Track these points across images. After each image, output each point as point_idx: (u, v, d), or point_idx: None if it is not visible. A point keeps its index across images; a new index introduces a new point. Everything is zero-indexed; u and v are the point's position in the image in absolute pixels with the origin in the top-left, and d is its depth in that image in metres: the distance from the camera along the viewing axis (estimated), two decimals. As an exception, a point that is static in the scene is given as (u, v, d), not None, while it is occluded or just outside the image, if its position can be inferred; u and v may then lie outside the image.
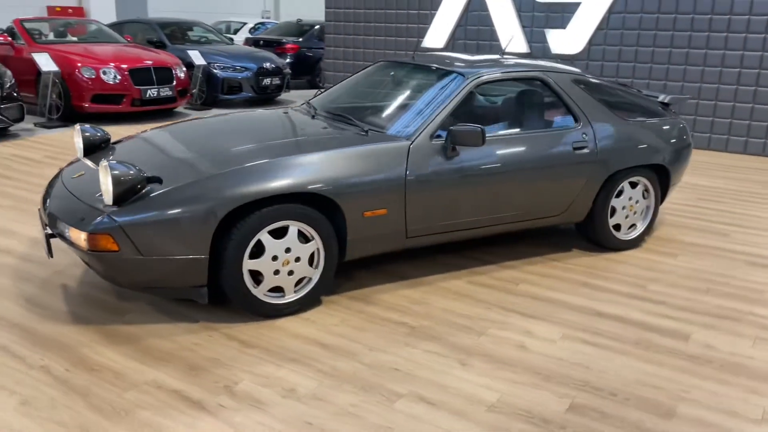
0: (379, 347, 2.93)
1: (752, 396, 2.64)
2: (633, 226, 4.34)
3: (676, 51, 7.88)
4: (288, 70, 11.07)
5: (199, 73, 9.98)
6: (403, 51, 9.94)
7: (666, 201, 5.51)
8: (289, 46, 13.09)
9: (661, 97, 4.68)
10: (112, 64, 8.47)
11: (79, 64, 8.32)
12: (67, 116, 8.43)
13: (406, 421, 2.39)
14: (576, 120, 4.01)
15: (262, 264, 3.05)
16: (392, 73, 4.27)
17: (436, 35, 9.53)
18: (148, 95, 8.69)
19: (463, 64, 3.93)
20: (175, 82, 9.06)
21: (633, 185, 4.24)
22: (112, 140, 3.85)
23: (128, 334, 2.97)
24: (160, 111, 9.41)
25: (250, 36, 13.93)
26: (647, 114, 4.36)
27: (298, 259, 3.14)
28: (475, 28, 9.26)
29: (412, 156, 3.40)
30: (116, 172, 2.86)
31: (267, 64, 10.60)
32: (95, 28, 10.05)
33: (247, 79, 10.34)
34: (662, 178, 4.43)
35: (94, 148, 3.70)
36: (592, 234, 4.22)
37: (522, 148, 3.75)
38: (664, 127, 4.34)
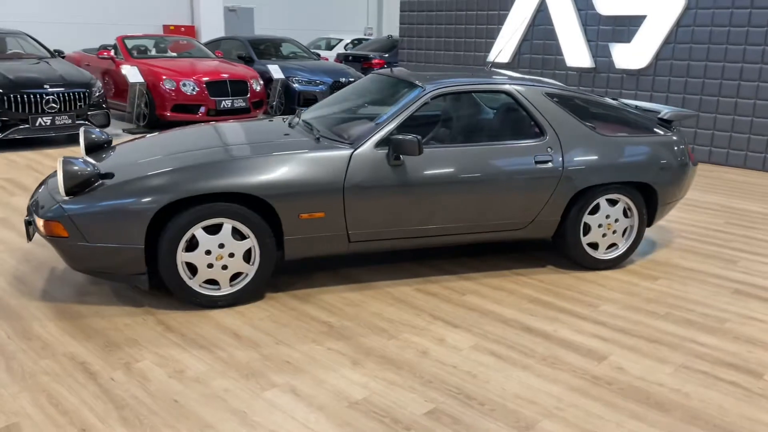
0: (287, 342, 3.09)
1: (630, 421, 2.53)
2: (613, 245, 4.19)
3: (747, 66, 7.35)
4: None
5: (278, 86, 10.59)
6: (471, 65, 9.98)
7: (687, 223, 5.21)
8: (375, 61, 13.48)
9: (663, 113, 4.47)
10: (192, 77, 9.23)
11: (164, 77, 9.15)
12: (152, 123, 9.28)
13: (264, 409, 2.55)
14: (542, 133, 3.95)
15: (196, 257, 3.33)
16: (374, 85, 4.43)
17: (502, 50, 9.49)
18: (222, 106, 9.37)
19: (429, 77, 4.01)
20: (249, 94, 9.69)
21: (612, 203, 4.10)
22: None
23: (77, 312, 3.35)
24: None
25: (342, 52, 14.51)
26: (634, 130, 4.20)
27: (232, 255, 3.38)
28: (540, 43, 9.14)
29: (353, 163, 3.54)
30: (69, 167, 3.25)
31: (343, 79, 11.03)
32: (192, 45, 10.97)
33: (322, 92, 10.81)
34: (650, 198, 4.24)
35: (97, 148, 4.15)
36: (566, 251, 4.13)
37: (475, 160, 3.77)
38: (652, 144, 4.16)
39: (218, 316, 3.35)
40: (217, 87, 9.37)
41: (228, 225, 3.36)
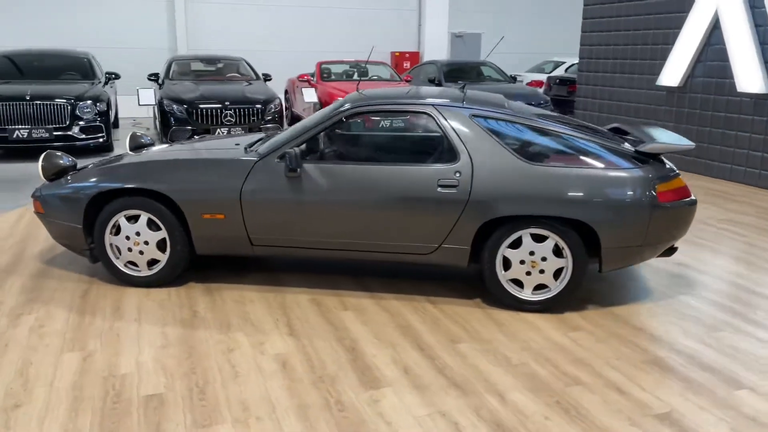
0: (131, 316, 3.58)
1: (298, 443, 2.48)
2: (544, 287, 3.76)
3: None
4: (550, 107, 11.13)
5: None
6: (644, 90, 9.08)
7: (710, 275, 4.27)
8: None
9: (643, 146, 3.82)
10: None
11: (337, 98, 10.19)
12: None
13: None
14: (454, 158, 3.76)
15: (119, 240, 4.01)
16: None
17: (672, 72, 8.47)
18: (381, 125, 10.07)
19: (360, 96, 4.09)
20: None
21: (539, 239, 3.70)
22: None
23: (41, 271, 4.28)
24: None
25: (553, 75, 14.14)
26: (586, 161, 3.71)
27: (147, 243, 3.99)
28: (716, 64, 7.95)
29: (254, 171, 3.87)
30: (48, 159, 4.20)
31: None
32: (383, 69, 11.94)
33: (494, 114, 10.82)
34: (595, 239, 3.71)
35: (141, 147, 5.08)
36: (485, 284, 3.85)
37: (372, 180, 3.77)
38: (598, 179, 3.64)
39: (123, 292, 3.97)
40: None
41: (144, 216, 3.97)
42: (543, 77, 14.95)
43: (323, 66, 11.67)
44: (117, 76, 10.43)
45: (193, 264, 4.47)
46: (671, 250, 3.96)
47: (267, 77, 11.27)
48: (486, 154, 3.74)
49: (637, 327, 3.61)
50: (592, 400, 2.84)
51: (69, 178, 4.13)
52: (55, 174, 4.22)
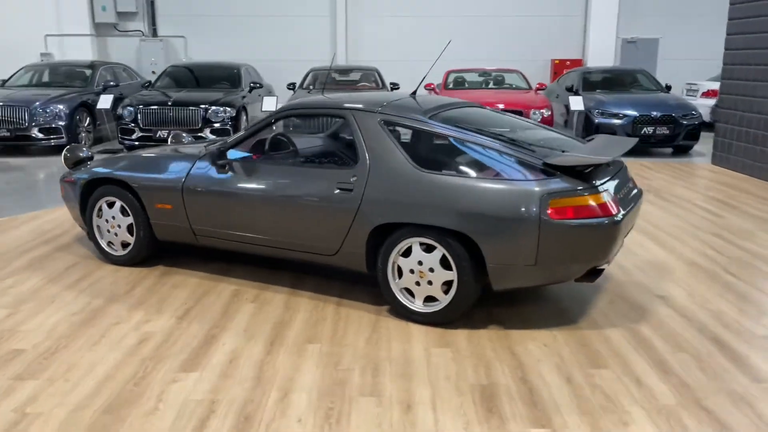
0: (81, 287, 4.15)
1: None
2: (433, 299, 3.60)
3: None
4: (696, 121, 9.98)
5: (574, 117, 10.33)
6: (781, 99, 7.76)
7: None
8: (749, 94, 11.27)
9: (551, 158, 3.45)
10: (471, 106, 10.02)
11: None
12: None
13: None
14: (355, 161, 3.76)
15: (101, 222, 4.66)
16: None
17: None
18: (492, 133, 9.87)
19: (297, 99, 4.26)
20: (527, 124, 9.86)
21: (429, 249, 3.55)
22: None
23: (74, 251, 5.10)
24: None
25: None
26: (484, 171, 3.49)
27: (119, 227, 4.59)
28: None
29: (194, 167, 4.26)
30: (69, 151, 5.01)
31: (655, 113, 9.92)
32: (515, 77, 11.65)
33: (623, 125, 9.99)
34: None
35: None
36: (382, 290, 3.79)
37: (282, 180, 3.93)
38: (485, 190, 3.40)
39: (90, 269, 4.60)
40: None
41: (118, 203, 4.57)
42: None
43: (455, 75, 11.73)
44: (260, 86, 11.57)
45: (166, 250, 4.98)
46: (591, 275, 3.53)
47: (395, 86, 11.65)
48: (383, 159, 3.69)
49: (510, 352, 3.30)
50: (368, 412, 2.73)
51: (80, 167, 4.89)
52: (74, 164, 5.01)
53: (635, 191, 4.01)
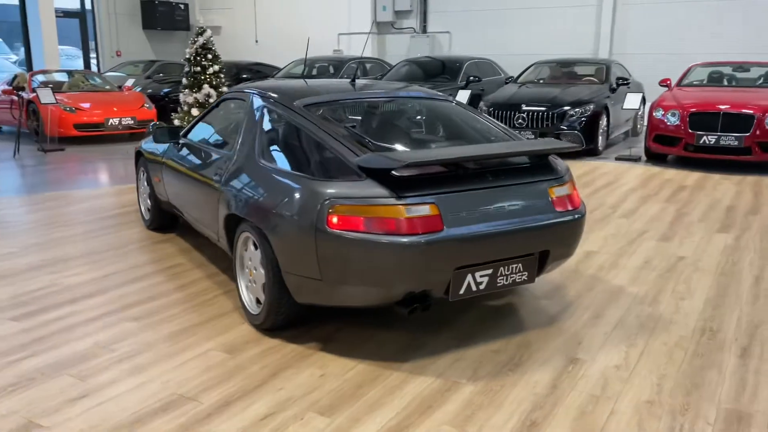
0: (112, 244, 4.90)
1: None
2: (258, 301, 3.37)
3: None
4: None
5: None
6: None
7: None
8: None
9: (359, 159, 2.89)
10: (680, 107, 8.34)
11: (658, 106, 8.67)
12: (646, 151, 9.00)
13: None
14: (232, 147, 3.68)
15: (141, 186, 5.40)
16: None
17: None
18: (702, 141, 8.07)
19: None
20: (754, 132, 7.82)
21: (255, 245, 3.34)
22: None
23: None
24: (725, 161, 8.27)
25: None
26: (289, 163, 3.16)
27: (144, 195, 5.25)
28: None
29: (169, 146, 4.65)
30: (154, 127, 5.87)
31: None
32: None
33: None
34: (284, 256, 3.13)
35: None
36: (243, 285, 3.67)
37: (193, 162, 4.07)
38: (279, 186, 3.07)
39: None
40: (703, 119, 8.11)
41: (143, 174, 5.23)
42: None
43: (699, 68, 9.81)
44: (479, 79, 11.38)
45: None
46: (411, 302, 2.90)
47: (624, 81, 10.28)
48: (245, 146, 3.57)
49: (269, 373, 2.93)
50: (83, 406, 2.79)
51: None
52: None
53: (549, 214, 3.10)
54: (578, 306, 3.72)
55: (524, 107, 9.23)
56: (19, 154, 9.28)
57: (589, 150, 9.21)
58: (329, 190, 2.87)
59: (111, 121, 10.41)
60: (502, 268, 3.05)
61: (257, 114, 3.63)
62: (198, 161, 4.06)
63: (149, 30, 17.79)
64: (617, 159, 9.04)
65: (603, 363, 3.05)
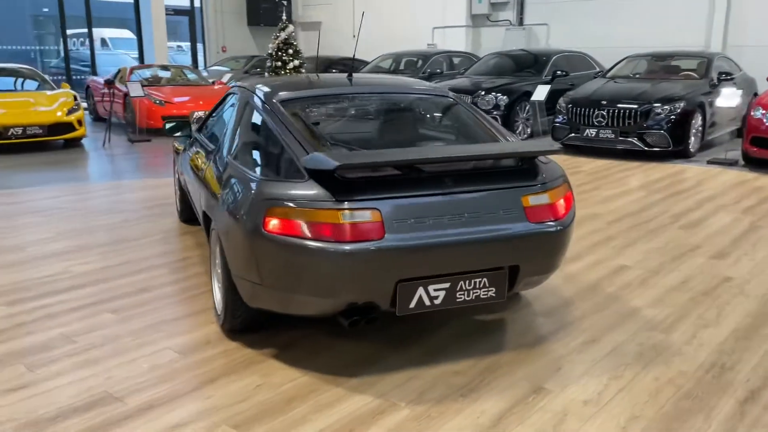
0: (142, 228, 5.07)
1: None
2: (224, 300, 3.29)
3: None
4: None
5: None
6: None
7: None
8: None
9: (308, 158, 2.71)
10: (785, 106, 7.42)
11: (758, 105, 7.78)
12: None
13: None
14: (218, 143, 3.63)
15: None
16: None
17: None
18: (805, 145, 7.13)
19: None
20: None
21: (222, 245, 3.26)
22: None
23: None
24: None
25: None
26: (248, 159, 3.04)
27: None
28: None
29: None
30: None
31: None
32: None
33: None
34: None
35: None
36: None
37: (196, 154, 4.07)
38: (231, 182, 2.96)
39: (169, 221, 5.46)
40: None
41: (179, 169, 5.33)
42: None
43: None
44: (566, 74, 10.75)
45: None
46: (353, 314, 2.70)
47: (727, 77, 9.31)
48: (225, 142, 3.51)
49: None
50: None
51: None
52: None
53: (518, 225, 2.78)
54: (576, 327, 3.34)
55: (604, 104, 8.59)
56: (109, 144, 9.86)
57: (678, 152, 8.41)
58: (268, 191, 2.72)
59: (196, 113, 10.82)
60: (462, 283, 2.77)
61: (241, 110, 3.55)
62: (196, 155, 4.05)
63: (253, 26, 18.40)
64: (709, 162, 8.18)
65: (571, 396, 2.69)
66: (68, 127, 9.45)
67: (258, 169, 2.92)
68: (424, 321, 3.41)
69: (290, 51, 10.71)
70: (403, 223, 2.63)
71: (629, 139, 8.42)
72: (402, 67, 12.99)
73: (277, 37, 10.75)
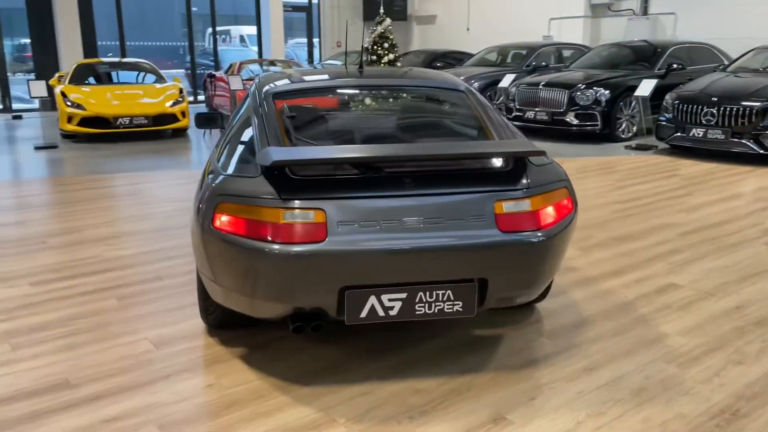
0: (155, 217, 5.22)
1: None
2: (208, 294, 3.25)
3: None
4: None
5: None
6: None
7: None
8: None
9: (267, 155, 2.55)
10: None
11: None
12: None
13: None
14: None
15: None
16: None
17: None
18: None
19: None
20: None
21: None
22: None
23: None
24: None
25: None
26: (224, 159, 2.95)
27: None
28: None
29: None
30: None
31: None
32: None
33: None
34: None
35: None
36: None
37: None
38: (209, 177, 2.86)
39: None
40: None
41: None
42: None
43: None
44: (682, 67, 9.81)
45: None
46: (297, 319, 2.55)
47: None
48: (223, 136, 3.42)
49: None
50: (-10, 354, 2.99)
51: None
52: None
53: (485, 233, 2.49)
54: (580, 352, 2.95)
55: (714, 100, 7.70)
56: (210, 135, 10.32)
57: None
58: (220, 186, 2.62)
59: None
60: (421, 294, 2.51)
61: (242, 103, 3.49)
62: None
63: (369, 21, 18.55)
64: (839, 169, 7.10)
65: (532, 431, 2.35)
66: (172, 118, 10.01)
67: (223, 163, 2.83)
68: (416, 329, 3.17)
69: (386, 45, 10.64)
70: (350, 225, 2.43)
71: (742, 140, 7.49)
72: (509, 59, 12.49)
73: (374, 30, 10.72)
